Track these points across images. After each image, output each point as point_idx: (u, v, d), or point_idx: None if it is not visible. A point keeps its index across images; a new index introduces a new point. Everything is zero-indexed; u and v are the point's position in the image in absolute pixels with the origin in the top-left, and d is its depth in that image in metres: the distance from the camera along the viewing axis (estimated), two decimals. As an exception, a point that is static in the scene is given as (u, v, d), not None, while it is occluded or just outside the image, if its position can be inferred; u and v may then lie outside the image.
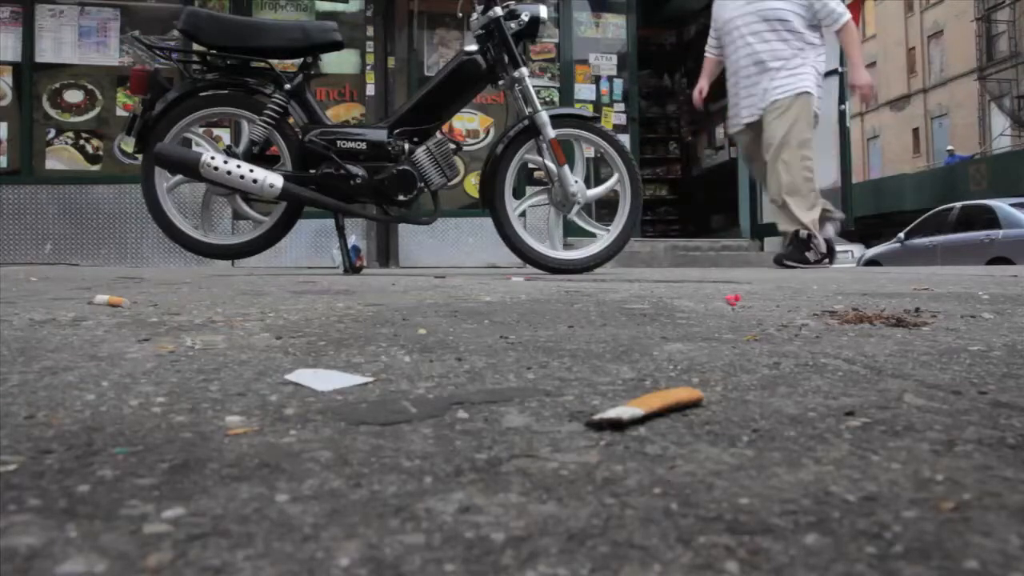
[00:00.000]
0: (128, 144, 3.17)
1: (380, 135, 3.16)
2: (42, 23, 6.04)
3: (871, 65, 33.49)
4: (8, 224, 5.81)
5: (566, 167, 3.22)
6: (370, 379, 0.89)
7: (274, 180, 2.99)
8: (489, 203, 3.24)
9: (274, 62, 3.20)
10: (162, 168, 3.08)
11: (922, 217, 12.98)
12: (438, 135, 3.24)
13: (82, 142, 6.08)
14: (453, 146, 3.23)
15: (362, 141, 3.13)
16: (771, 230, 7.59)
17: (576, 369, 0.96)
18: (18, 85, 6.01)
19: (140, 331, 1.19)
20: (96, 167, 6.07)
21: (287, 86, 3.13)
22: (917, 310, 1.60)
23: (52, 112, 6.05)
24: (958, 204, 12.48)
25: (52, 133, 6.05)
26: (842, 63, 6.51)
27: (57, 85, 6.06)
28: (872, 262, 12.79)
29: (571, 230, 3.50)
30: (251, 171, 2.99)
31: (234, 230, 3.56)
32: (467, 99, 3.39)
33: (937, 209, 12.85)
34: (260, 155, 3.16)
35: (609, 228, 3.32)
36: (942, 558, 0.43)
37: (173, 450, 0.62)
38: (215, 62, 3.17)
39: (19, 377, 0.87)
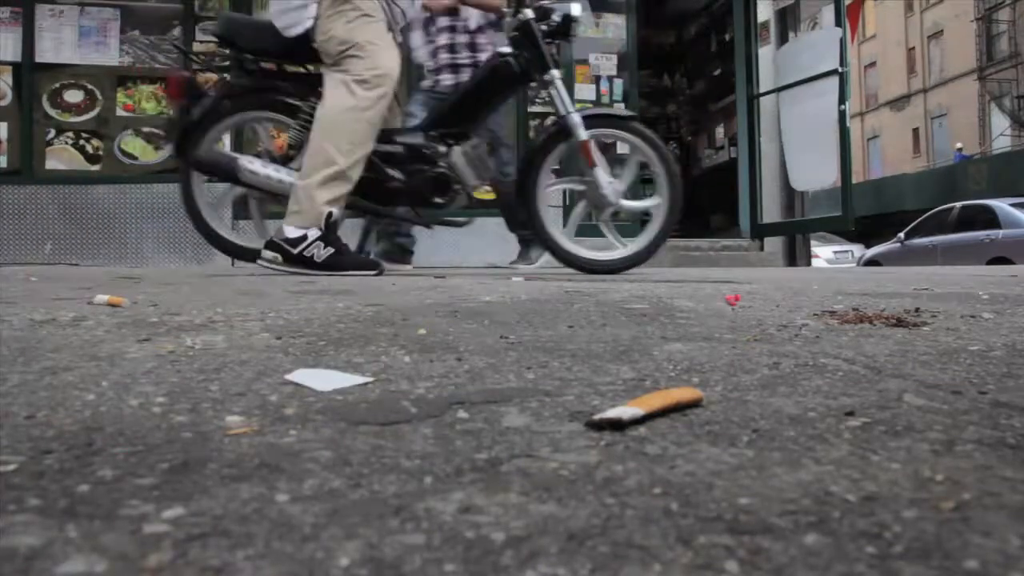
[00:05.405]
0: (167, 149, 3.24)
1: (416, 138, 3.16)
2: (42, 23, 6.03)
3: (871, 65, 33.57)
4: (8, 224, 5.81)
5: (598, 169, 3.17)
6: (370, 379, 0.89)
7: None
8: (525, 205, 3.23)
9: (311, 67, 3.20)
10: (201, 173, 3.11)
11: (922, 217, 12.99)
12: (473, 137, 3.23)
13: (82, 142, 6.07)
14: (488, 147, 3.23)
15: (399, 145, 3.13)
16: (771, 230, 7.60)
17: (576, 369, 0.96)
18: (18, 85, 6.00)
19: (140, 331, 1.19)
20: (96, 167, 6.06)
21: (321, 89, 3.11)
22: (917, 310, 1.60)
23: (52, 112, 6.04)
24: (958, 204, 12.49)
25: (52, 133, 6.04)
26: (842, 63, 6.51)
27: (57, 85, 6.05)
28: (872, 262, 12.80)
29: (594, 231, 3.46)
30: (289, 175, 3.00)
31: (234, 228, 3.59)
32: (501, 101, 3.39)
33: (937, 209, 12.86)
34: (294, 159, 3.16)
35: (628, 241, 3.30)
36: (942, 558, 0.43)
37: (173, 450, 0.62)
38: (251, 67, 3.17)
39: (19, 377, 0.87)
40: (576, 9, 3.25)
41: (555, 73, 3.18)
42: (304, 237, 2.87)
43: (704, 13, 9.15)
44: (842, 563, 0.43)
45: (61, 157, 6.06)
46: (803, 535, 0.46)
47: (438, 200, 3.13)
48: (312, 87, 3.13)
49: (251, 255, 3.21)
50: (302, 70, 3.17)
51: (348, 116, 2.90)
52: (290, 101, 3.14)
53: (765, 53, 7.76)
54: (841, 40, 6.59)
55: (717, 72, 8.70)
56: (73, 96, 6.10)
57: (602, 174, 3.18)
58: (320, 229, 2.86)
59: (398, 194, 3.12)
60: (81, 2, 6.09)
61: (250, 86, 3.17)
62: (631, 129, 3.25)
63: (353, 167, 2.92)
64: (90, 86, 6.10)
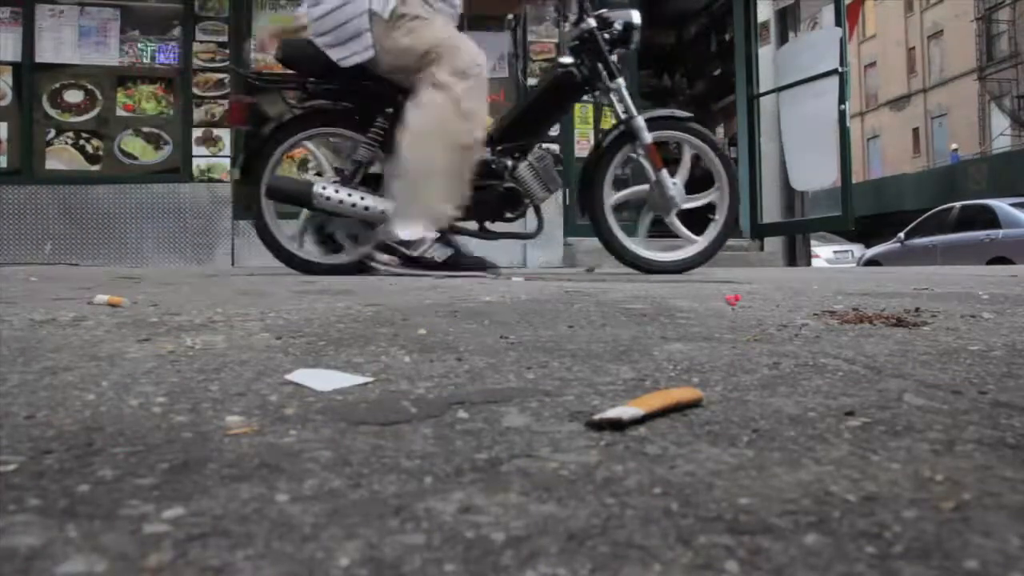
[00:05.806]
0: (235, 175, 3.23)
1: (483, 154, 3.15)
2: (42, 23, 6.03)
3: (871, 65, 33.57)
4: (8, 224, 5.80)
5: (664, 171, 3.17)
6: (370, 379, 0.89)
7: (385, 206, 2.96)
8: (589, 210, 3.23)
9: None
10: (273, 200, 3.09)
11: (922, 217, 12.98)
12: (537, 149, 3.22)
13: (82, 142, 6.07)
14: (553, 158, 3.21)
15: None
16: (771, 230, 7.59)
17: (576, 369, 0.96)
18: (18, 85, 6.00)
19: (140, 331, 1.19)
20: (96, 167, 6.06)
21: (389, 109, 3.05)
22: (917, 310, 1.60)
23: (52, 112, 6.04)
24: (958, 204, 12.49)
25: (52, 133, 6.04)
26: (842, 63, 6.50)
27: (57, 85, 6.05)
28: (872, 262, 12.80)
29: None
30: (362, 198, 2.97)
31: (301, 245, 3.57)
32: (565, 111, 3.38)
33: (937, 209, 12.86)
34: (368, 176, 3.12)
35: (685, 243, 3.30)
36: (942, 558, 0.43)
37: (173, 450, 0.62)
38: (316, 89, 3.14)
39: (19, 377, 0.87)
40: (637, 17, 3.23)
41: (620, 81, 3.17)
42: (422, 240, 2.84)
43: (704, 13, 9.14)
44: (842, 563, 0.43)
45: (61, 157, 6.06)
46: (803, 535, 0.46)
47: (509, 215, 3.13)
48: (382, 100, 3.07)
49: (323, 269, 3.17)
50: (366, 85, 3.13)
51: (446, 111, 2.85)
52: (356, 119, 3.09)
53: (765, 53, 7.76)
54: (841, 40, 6.58)
55: (717, 72, 8.68)
56: (73, 96, 6.10)
57: (668, 177, 3.18)
58: (438, 231, 2.84)
59: (467, 210, 3.10)
60: (81, 2, 6.09)
61: (314, 107, 3.13)
62: (691, 130, 3.24)
63: (457, 161, 2.85)
64: (90, 86, 6.10)
